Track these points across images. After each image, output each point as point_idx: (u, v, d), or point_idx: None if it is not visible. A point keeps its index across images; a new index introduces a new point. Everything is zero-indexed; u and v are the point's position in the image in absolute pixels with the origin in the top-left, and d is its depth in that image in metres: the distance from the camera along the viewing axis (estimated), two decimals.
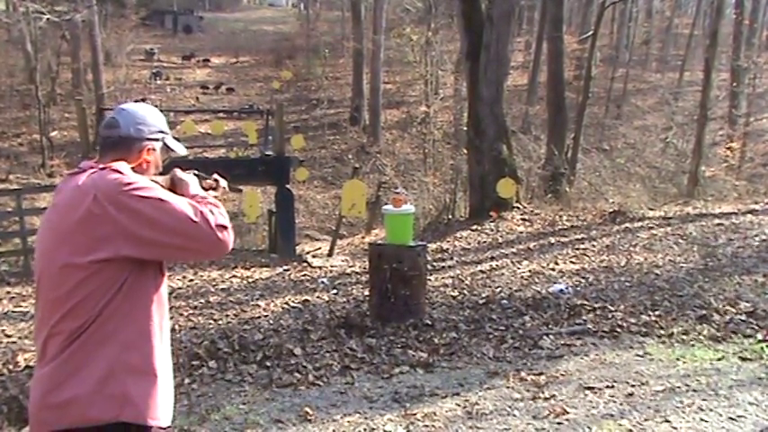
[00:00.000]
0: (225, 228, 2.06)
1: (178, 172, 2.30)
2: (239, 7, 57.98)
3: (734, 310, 5.86)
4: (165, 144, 2.29)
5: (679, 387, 4.32)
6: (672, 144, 23.69)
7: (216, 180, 2.47)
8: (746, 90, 25.31)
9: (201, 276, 9.55)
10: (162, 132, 2.27)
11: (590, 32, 19.70)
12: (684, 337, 5.33)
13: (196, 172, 2.39)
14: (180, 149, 2.36)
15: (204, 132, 22.05)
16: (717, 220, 10.34)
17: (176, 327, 6.46)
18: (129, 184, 1.98)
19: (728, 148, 20.04)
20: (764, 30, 38.76)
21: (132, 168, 2.12)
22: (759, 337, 5.18)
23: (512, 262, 8.89)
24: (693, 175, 16.82)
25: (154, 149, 2.23)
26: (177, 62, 37.47)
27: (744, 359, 4.77)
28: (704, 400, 4.12)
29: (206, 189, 2.35)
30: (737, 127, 22.58)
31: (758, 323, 5.48)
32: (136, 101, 26.32)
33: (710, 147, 21.13)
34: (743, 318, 5.65)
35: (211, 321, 6.82)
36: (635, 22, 40.96)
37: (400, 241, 6.22)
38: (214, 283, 9.08)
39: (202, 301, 7.89)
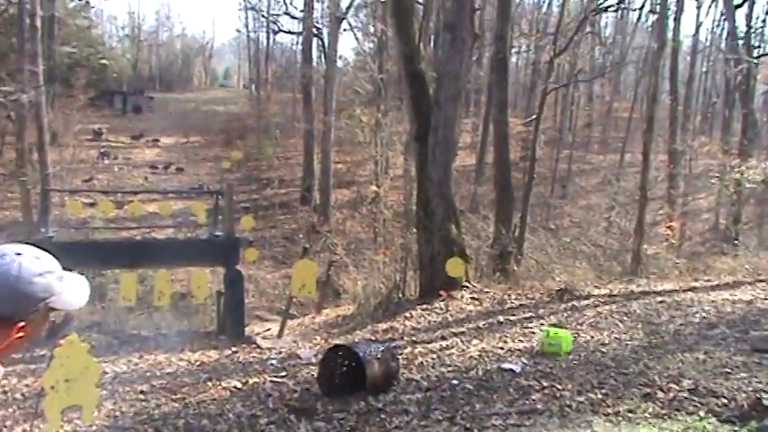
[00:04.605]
0: None
1: None
2: (190, 88, 58.51)
3: (677, 388, 5.97)
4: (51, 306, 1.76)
5: None
6: (615, 223, 24.30)
7: None
8: (683, 171, 26.36)
9: (147, 360, 9.33)
10: (49, 294, 1.74)
11: (534, 116, 20.42)
12: (630, 414, 5.40)
13: None
14: (78, 300, 1.83)
15: (152, 212, 21.86)
16: (659, 298, 10.59)
17: (119, 413, 6.28)
18: None
19: (669, 227, 20.66)
20: (698, 115, 40.71)
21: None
22: (701, 414, 5.29)
23: (461, 341, 8.91)
24: (636, 253, 17.23)
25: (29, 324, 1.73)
26: (126, 142, 37.36)
27: None
28: None
29: None
30: (676, 207, 23.40)
31: (700, 400, 5.59)
32: (84, 180, 26.01)
33: (651, 226, 21.76)
34: (686, 395, 5.76)
35: (156, 407, 6.64)
36: (577, 105, 42.63)
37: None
38: (160, 367, 8.87)
39: (147, 385, 7.70)
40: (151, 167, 33.23)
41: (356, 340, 9.49)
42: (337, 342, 8.96)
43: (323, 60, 35.54)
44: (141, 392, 7.28)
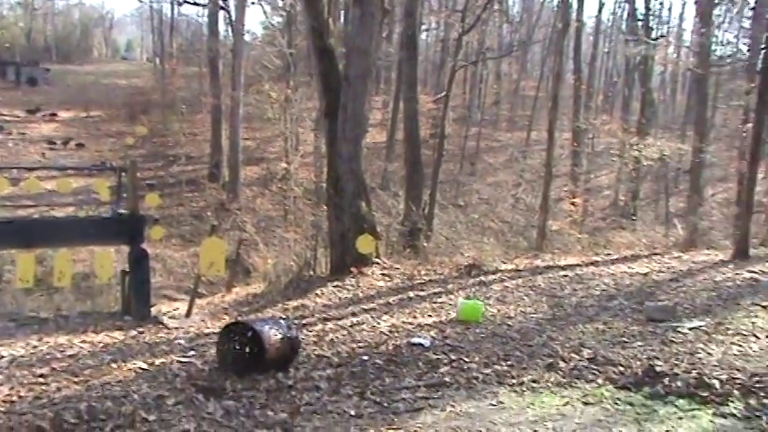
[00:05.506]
0: None
1: None
2: (89, 60, 56.22)
3: (578, 357, 6.22)
4: None
5: None
6: (521, 199, 24.99)
7: None
8: (586, 149, 27.33)
9: (47, 342, 8.97)
10: None
11: (443, 93, 20.63)
12: (534, 384, 5.59)
13: None
14: None
15: (51, 190, 20.95)
16: (563, 272, 10.98)
17: (17, 398, 6.03)
18: None
19: (572, 204, 21.42)
20: (600, 94, 42.16)
21: None
22: (600, 381, 5.52)
23: (372, 317, 8.98)
24: (541, 229, 17.79)
25: None
26: (21, 116, 35.62)
27: (586, 404, 5.06)
28: None
29: None
30: (579, 183, 24.25)
31: (599, 369, 5.84)
32: None
33: (556, 202, 22.52)
34: (585, 364, 6.00)
35: (57, 390, 6.40)
36: (485, 83, 43.37)
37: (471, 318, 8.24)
38: (61, 349, 8.55)
39: (47, 368, 7.40)
40: (49, 143, 31.83)
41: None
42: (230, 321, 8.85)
43: (230, 34, 34.73)
44: (41, 376, 7.00)
